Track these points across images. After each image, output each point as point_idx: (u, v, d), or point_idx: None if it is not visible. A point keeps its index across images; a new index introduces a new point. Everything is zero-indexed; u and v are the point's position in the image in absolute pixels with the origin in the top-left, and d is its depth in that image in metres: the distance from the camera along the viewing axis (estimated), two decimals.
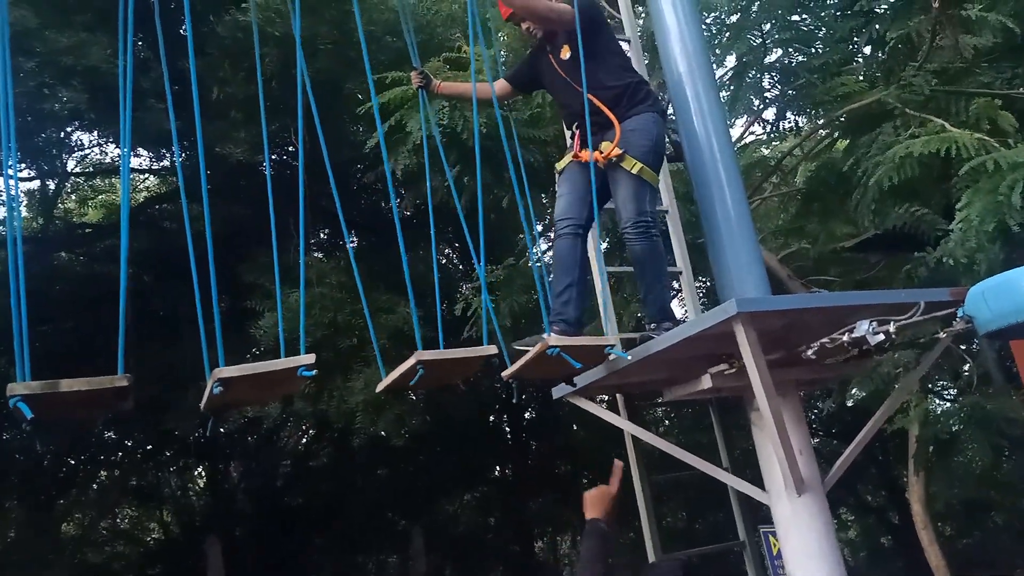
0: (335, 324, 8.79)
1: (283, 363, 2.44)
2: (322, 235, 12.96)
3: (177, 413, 10.67)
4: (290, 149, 10.80)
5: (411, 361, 2.84)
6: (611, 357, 3.43)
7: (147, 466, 15.65)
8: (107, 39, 7.63)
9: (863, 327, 2.89)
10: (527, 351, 3.23)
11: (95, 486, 15.90)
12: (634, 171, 3.82)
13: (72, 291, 11.75)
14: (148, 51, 6.83)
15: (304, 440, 16.79)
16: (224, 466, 15.65)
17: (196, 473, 17.28)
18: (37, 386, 2.20)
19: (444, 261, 13.58)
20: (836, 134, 7.46)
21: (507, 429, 16.87)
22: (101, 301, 10.69)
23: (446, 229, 11.23)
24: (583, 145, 4.01)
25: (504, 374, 3.34)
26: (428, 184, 3.74)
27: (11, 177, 2.82)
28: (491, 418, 16.51)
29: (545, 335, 3.38)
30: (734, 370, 3.47)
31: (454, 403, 11.84)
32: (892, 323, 2.84)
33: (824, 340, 3.10)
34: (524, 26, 4.27)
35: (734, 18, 7.07)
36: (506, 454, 17.04)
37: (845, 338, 2.96)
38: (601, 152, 3.88)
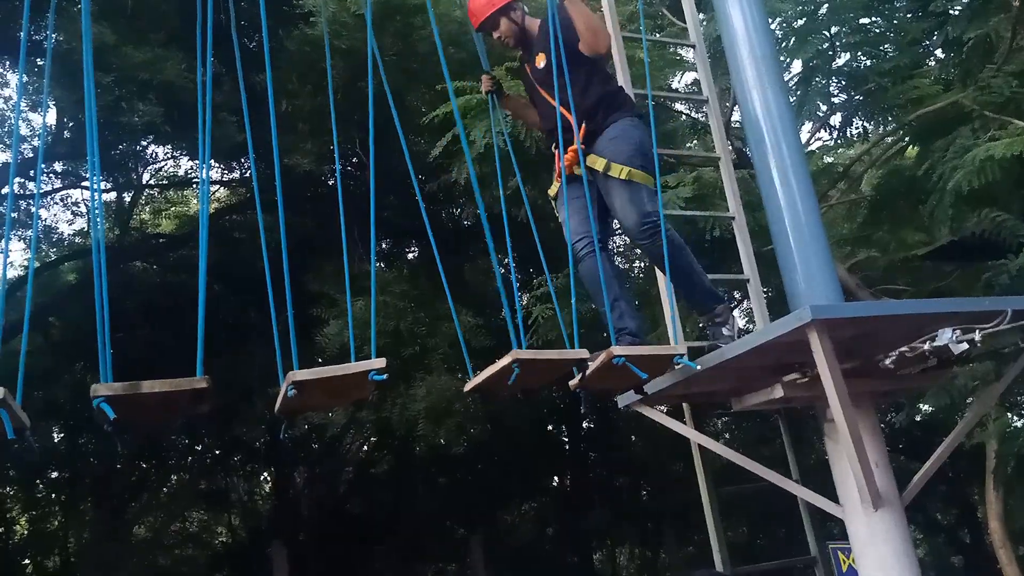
0: (398, 333, 8.88)
1: (355, 367, 2.47)
2: (383, 245, 13.12)
3: (245, 419, 10.90)
4: (354, 160, 10.98)
5: (506, 360, 2.81)
6: (679, 366, 3.37)
7: (216, 471, 16.03)
8: (181, 54, 7.89)
9: (946, 335, 2.79)
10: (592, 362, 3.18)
11: (165, 490, 16.34)
12: (623, 176, 3.70)
13: (145, 300, 12.13)
14: (220, 66, 7.04)
15: (365, 448, 17.00)
16: (289, 472, 15.93)
17: (262, 479, 17.63)
18: (120, 387, 2.26)
19: (503, 271, 13.62)
20: (906, 139, 7.25)
21: (565, 440, 16.79)
22: (173, 310, 11.02)
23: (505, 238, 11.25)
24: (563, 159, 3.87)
25: (571, 384, 3.31)
26: (501, 187, 3.73)
27: (95, 190, 2.92)
28: (549, 428, 16.46)
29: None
30: (807, 379, 3.39)
31: (513, 413, 11.84)
32: (977, 331, 2.73)
33: (904, 349, 3.00)
34: (495, 35, 4.10)
35: (800, 22, 6.94)
36: (564, 465, 16.95)
37: (926, 347, 2.86)
38: (588, 165, 3.75)
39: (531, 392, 3.57)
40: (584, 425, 16.43)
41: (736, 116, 7.48)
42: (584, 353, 2.99)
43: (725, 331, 3.86)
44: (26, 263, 13.86)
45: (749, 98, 4.18)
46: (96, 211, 2.80)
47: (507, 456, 14.39)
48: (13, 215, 11.11)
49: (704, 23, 6.58)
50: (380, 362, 2.48)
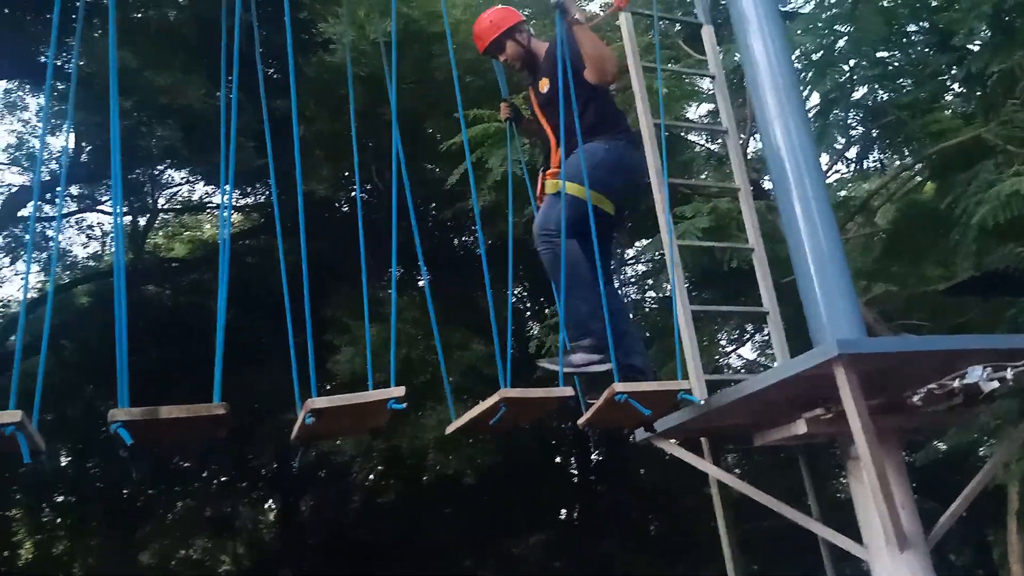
0: (409, 360, 8.84)
1: (374, 395, 2.43)
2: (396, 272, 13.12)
3: (252, 440, 10.83)
4: (368, 187, 11.02)
5: (494, 399, 2.77)
6: (693, 402, 3.29)
7: (223, 497, 15.92)
8: (201, 79, 7.96)
9: (976, 373, 2.72)
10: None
11: (170, 516, 16.23)
12: (555, 191, 3.64)
13: (157, 321, 12.14)
14: (239, 92, 7.09)
15: (372, 476, 16.86)
16: (296, 500, 15.81)
17: (267, 506, 17.50)
18: (137, 412, 2.23)
19: (515, 300, 13.59)
20: (926, 173, 7.21)
21: (574, 472, 16.62)
22: (185, 333, 11.02)
23: (518, 267, 11.24)
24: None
25: (579, 422, 3.25)
26: (510, 218, 3.69)
27: (117, 215, 2.91)
28: (558, 459, 16.31)
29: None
30: (831, 415, 3.32)
31: (523, 443, 11.74)
32: (1009, 369, 2.66)
33: (932, 386, 2.93)
34: (502, 58, 4.05)
35: (819, 55, 6.94)
36: (573, 496, 16.76)
37: (956, 384, 2.79)
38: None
39: (531, 422, 3.51)
40: (593, 456, 16.28)
41: (751, 148, 7.47)
42: (567, 391, 2.93)
43: (576, 359, 3.51)
44: (39, 286, 13.92)
45: (771, 129, 4.14)
46: (117, 238, 2.79)
47: (516, 486, 14.25)
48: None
49: (721, 54, 6.58)
50: (399, 391, 2.44)
